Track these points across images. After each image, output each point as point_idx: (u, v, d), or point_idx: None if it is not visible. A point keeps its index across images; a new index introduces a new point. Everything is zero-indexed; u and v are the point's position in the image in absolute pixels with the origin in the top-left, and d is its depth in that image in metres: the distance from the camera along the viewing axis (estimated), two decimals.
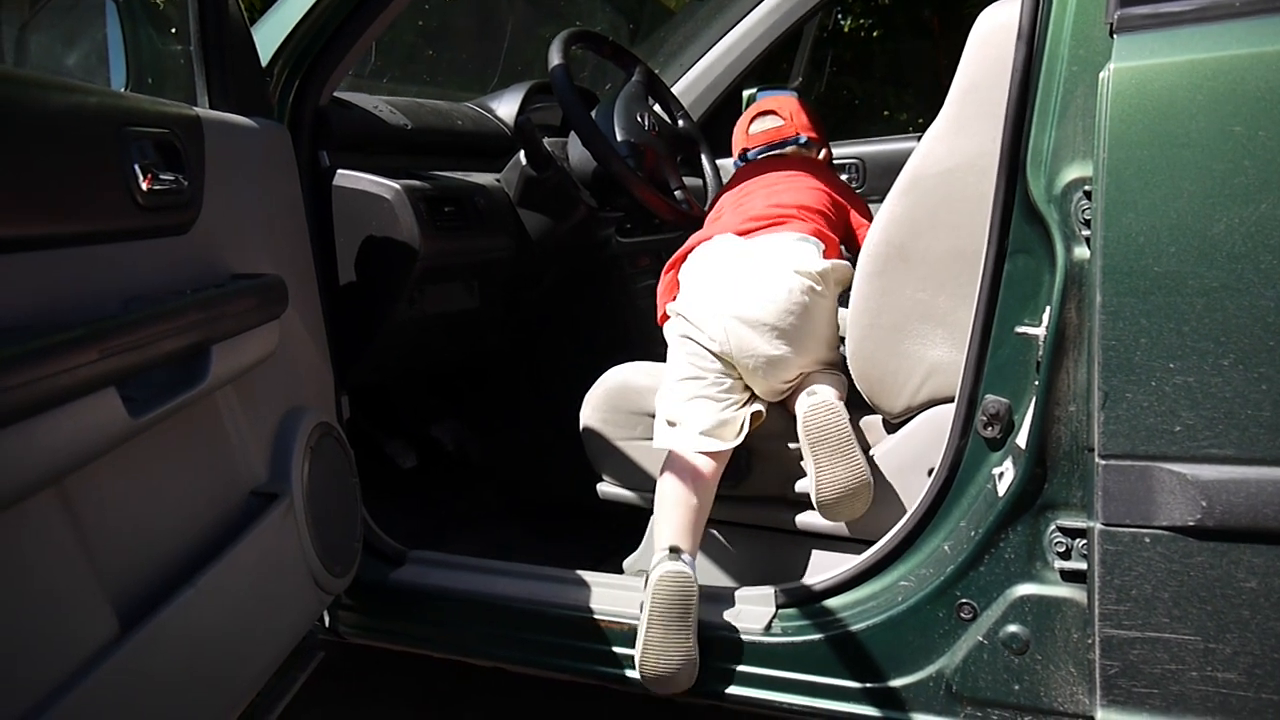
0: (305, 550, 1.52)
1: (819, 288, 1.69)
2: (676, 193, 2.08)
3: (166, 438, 1.26)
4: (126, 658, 1.12)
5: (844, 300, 1.71)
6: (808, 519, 1.70)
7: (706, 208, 2.11)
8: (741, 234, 1.79)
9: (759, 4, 2.67)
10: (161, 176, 1.30)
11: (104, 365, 1.08)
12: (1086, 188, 1.25)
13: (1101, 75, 1.17)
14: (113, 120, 1.24)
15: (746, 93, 2.75)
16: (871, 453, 1.65)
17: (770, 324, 1.66)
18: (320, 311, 1.72)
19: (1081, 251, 1.26)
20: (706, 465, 1.64)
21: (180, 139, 1.35)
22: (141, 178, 1.25)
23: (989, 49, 1.44)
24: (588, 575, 1.72)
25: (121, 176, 1.23)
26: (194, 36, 1.53)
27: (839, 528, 1.67)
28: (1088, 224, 1.24)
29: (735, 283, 1.70)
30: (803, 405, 1.63)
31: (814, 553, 1.72)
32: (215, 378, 1.31)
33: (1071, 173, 1.27)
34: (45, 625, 1.05)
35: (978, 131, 1.43)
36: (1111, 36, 1.19)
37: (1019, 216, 1.32)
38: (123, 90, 1.52)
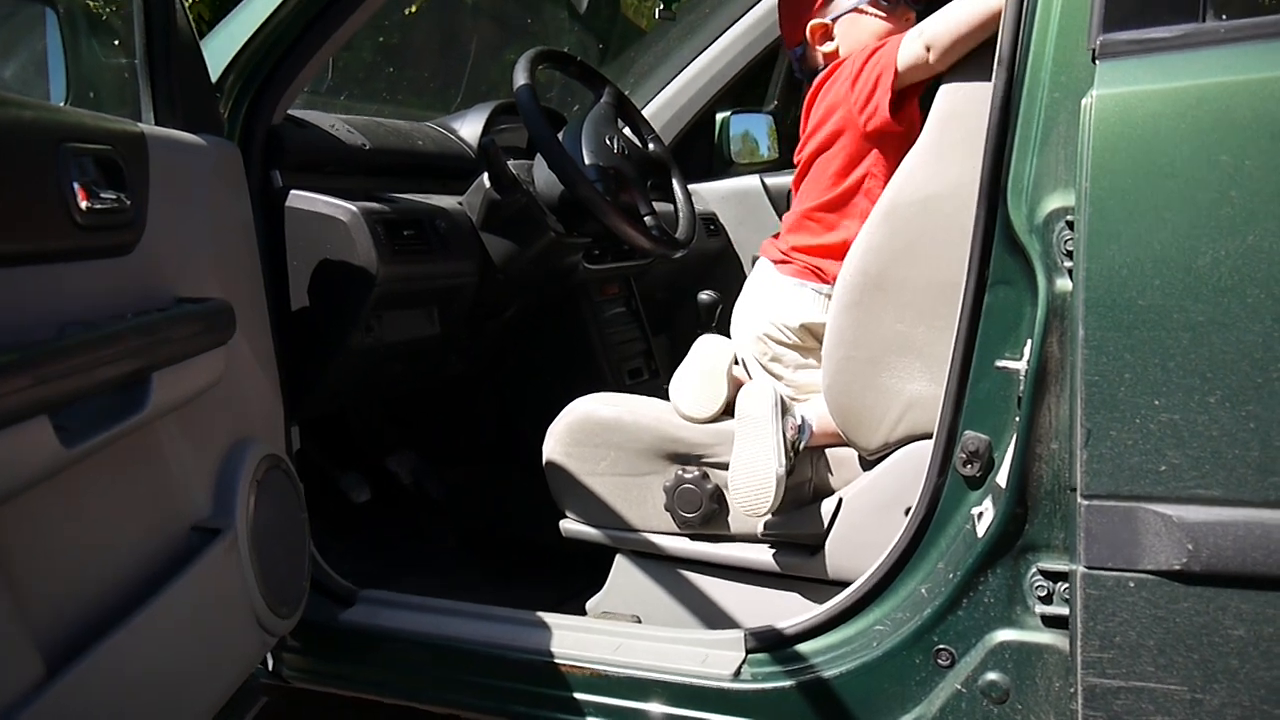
0: (249, 589, 1.48)
1: None
2: (646, 218, 2.05)
3: (102, 469, 1.22)
4: (53, 702, 1.08)
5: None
6: (779, 559, 1.67)
7: (679, 236, 2.07)
8: None
9: (733, 25, 2.66)
10: (102, 195, 1.26)
11: (36, 392, 1.05)
12: (1069, 218, 1.23)
13: (1084, 102, 1.15)
14: (50, 136, 1.20)
15: (720, 116, 2.73)
16: (846, 490, 1.63)
17: None
18: (270, 338, 1.68)
19: (1064, 283, 1.24)
20: None
21: (123, 156, 1.32)
22: (80, 196, 1.21)
23: (969, 74, 1.42)
24: (549, 617, 1.69)
25: (59, 195, 1.19)
26: (139, 49, 1.50)
27: (812, 568, 1.64)
28: (1070, 255, 1.23)
29: None
30: (741, 389, 1.66)
31: (786, 595, 1.69)
32: (155, 407, 1.27)
33: (1053, 202, 1.26)
34: None
35: (957, 159, 1.42)
36: (1094, 63, 1.18)
37: (999, 247, 1.31)
38: (62, 104, 1.48)
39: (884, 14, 1.76)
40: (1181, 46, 1.15)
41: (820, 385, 1.65)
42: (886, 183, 1.63)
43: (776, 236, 1.84)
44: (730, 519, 1.70)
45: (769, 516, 1.62)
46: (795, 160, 1.82)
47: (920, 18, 1.69)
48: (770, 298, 1.78)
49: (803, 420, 1.65)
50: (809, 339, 1.73)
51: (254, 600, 1.48)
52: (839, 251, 1.69)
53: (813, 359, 1.73)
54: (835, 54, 1.79)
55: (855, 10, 1.78)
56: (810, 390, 1.73)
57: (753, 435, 1.60)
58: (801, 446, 1.64)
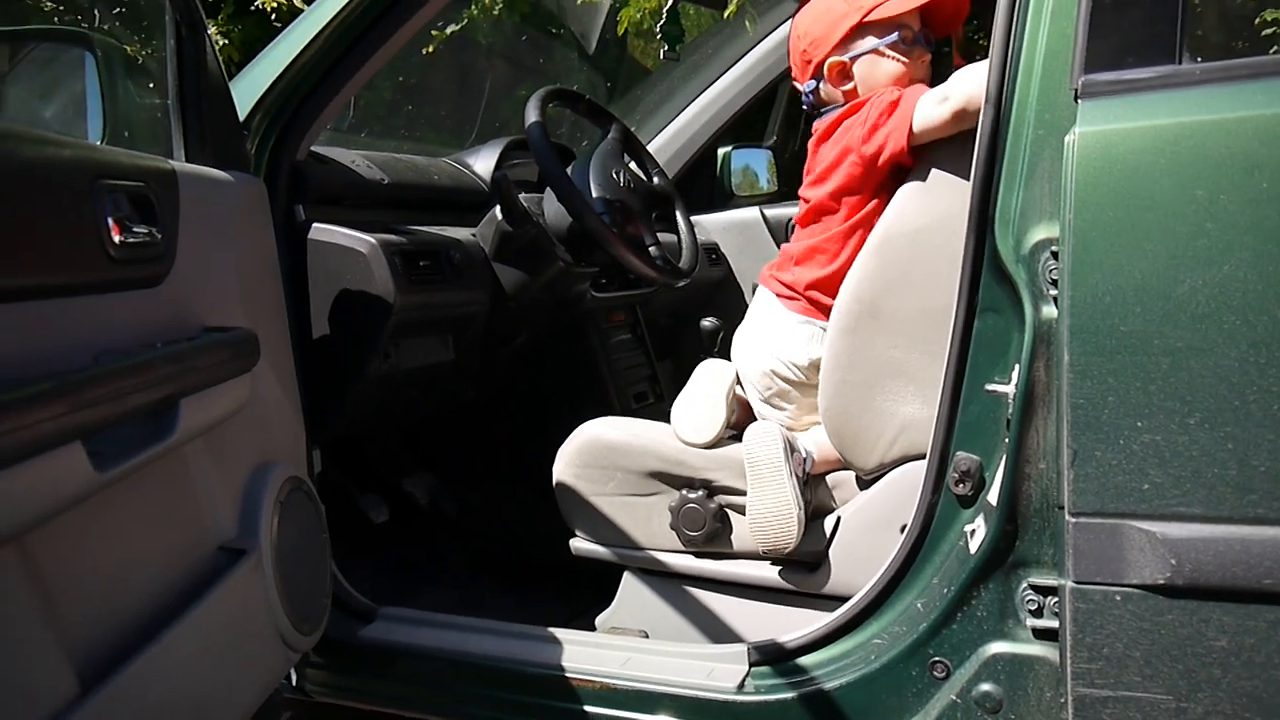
0: (272, 607, 1.50)
1: None
2: (651, 249, 2.09)
3: (133, 492, 1.24)
4: (87, 718, 1.09)
5: None
6: (780, 575, 1.69)
7: (682, 266, 2.11)
8: None
9: (734, 65, 2.71)
10: (134, 229, 1.29)
11: (71, 419, 1.07)
12: (1054, 248, 1.27)
13: (1067, 139, 1.19)
14: (86, 173, 1.23)
15: (722, 151, 2.78)
16: (844, 509, 1.65)
17: None
18: (293, 365, 1.70)
19: (1049, 310, 1.27)
20: None
21: (155, 192, 1.35)
22: (114, 230, 1.25)
23: None
24: (560, 633, 1.71)
25: (94, 229, 1.22)
26: (171, 90, 1.53)
27: (812, 584, 1.66)
28: (1055, 284, 1.26)
29: None
30: (747, 432, 1.66)
31: (787, 610, 1.71)
32: (184, 431, 1.29)
33: (1039, 233, 1.29)
34: (2, 685, 1.02)
35: (948, 192, 1.45)
36: (1076, 102, 1.22)
37: (988, 275, 1.34)
38: (98, 143, 1.53)
39: (902, 57, 1.74)
40: (1159, 87, 1.19)
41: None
42: None
43: (776, 266, 1.84)
44: (733, 537, 1.72)
45: (792, 548, 1.62)
46: (801, 196, 1.81)
47: (934, 59, 1.72)
48: (777, 334, 1.78)
49: (806, 454, 1.67)
50: (815, 375, 1.72)
51: (278, 618, 1.50)
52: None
53: (815, 394, 1.72)
54: (854, 93, 1.76)
55: (874, 52, 1.74)
56: (812, 420, 1.75)
57: (767, 478, 1.61)
58: (809, 476, 1.67)
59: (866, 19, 1.74)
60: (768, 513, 1.61)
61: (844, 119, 1.74)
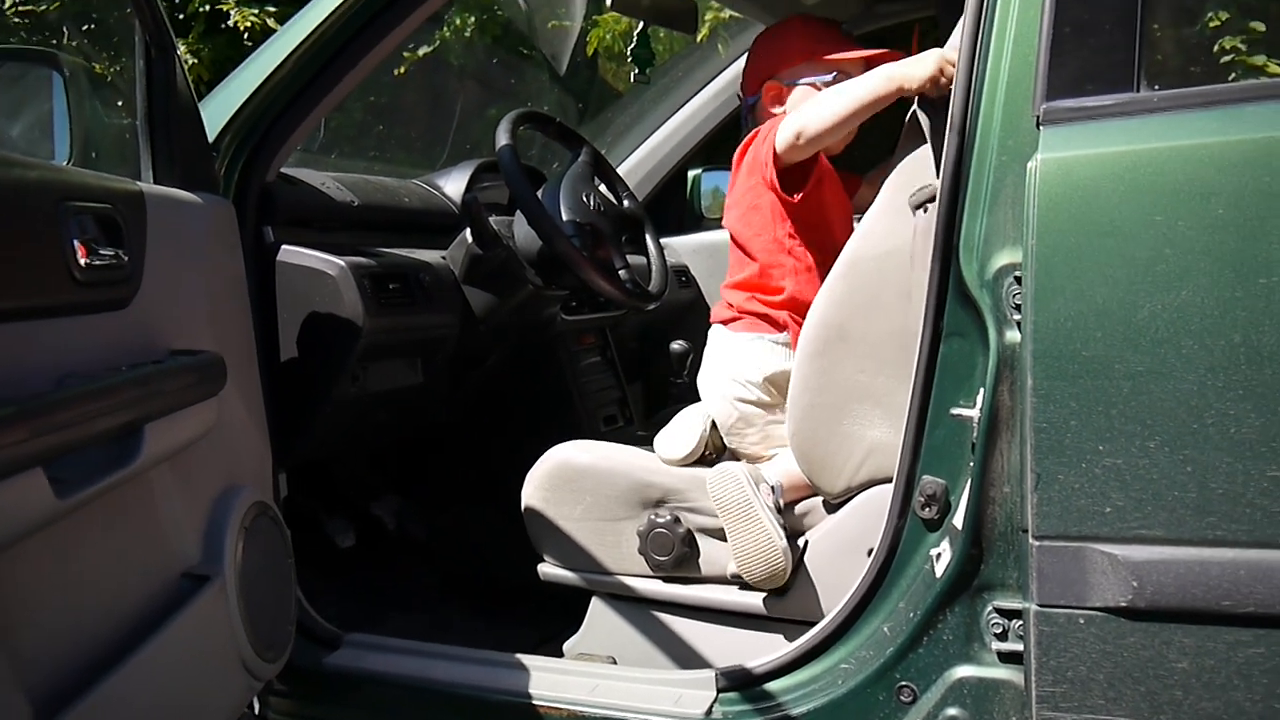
0: (236, 633, 1.48)
1: None
2: (621, 272, 2.10)
3: (95, 518, 1.23)
4: None
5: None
6: (748, 599, 1.69)
7: (652, 289, 2.12)
8: None
9: (703, 88, 2.73)
10: (101, 252, 1.28)
11: (32, 445, 1.06)
12: (1017, 273, 1.28)
13: (1029, 165, 1.21)
14: (52, 195, 1.23)
15: (691, 173, 2.80)
16: (812, 533, 1.66)
17: None
18: (260, 388, 1.69)
19: (1013, 335, 1.29)
20: None
21: (122, 214, 1.34)
22: (79, 253, 1.24)
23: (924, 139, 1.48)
24: (527, 659, 1.70)
25: (59, 251, 1.21)
26: (140, 110, 1.53)
27: (780, 608, 1.66)
28: (1019, 308, 1.27)
29: None
30: (708, 478, 1.67)
31: (755, 634, 1.71)
32: (148, 457, 1.28)
33: (1002, 258, 1.30)
34: None
35: (913, 217, 1.47)
36: (1038, 129, 1.24)
37: (953, 300, 1.35)
38: (65, 164, 1.52)
39: None
40: (1118, 114, 1.21)
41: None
42: (806, 241, 1.74)
43: (720, 304, 1.89)
44: (701, 561, 1.72)
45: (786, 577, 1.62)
46: (723, 224, 1.88)
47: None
48: (728, 358, 1.82)
49: (775, 484, 1.68)
50: (774, 392, 1.76)
51: (241, 645, 1.48)
52: (786, 305, 1.77)
53: (779, 413, 1.75)
54: (783, 119, 1.81)
55: (810, 85, 1.84)
56: (778, 447, 1.76)
57: (741, 518, 1.61)
58: (782, 504, 1.67)
59: (812, 57, 1.83)
60: (752, 549, 1.60)
61: (750, 143, 1.83)
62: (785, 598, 1.66)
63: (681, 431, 1.80)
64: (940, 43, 1.61)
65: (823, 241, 1.80)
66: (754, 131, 1.83)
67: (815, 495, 1.69)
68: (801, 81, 1.85)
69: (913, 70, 1.54)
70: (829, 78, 1.82)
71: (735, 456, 1.81)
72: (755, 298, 1.82)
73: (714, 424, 1.81)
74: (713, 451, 1.81)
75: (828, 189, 1.84)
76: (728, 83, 2.68)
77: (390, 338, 1.88)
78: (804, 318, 1.65)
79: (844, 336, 1.55)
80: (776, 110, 1.87)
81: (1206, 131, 1.18)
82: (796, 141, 1.68)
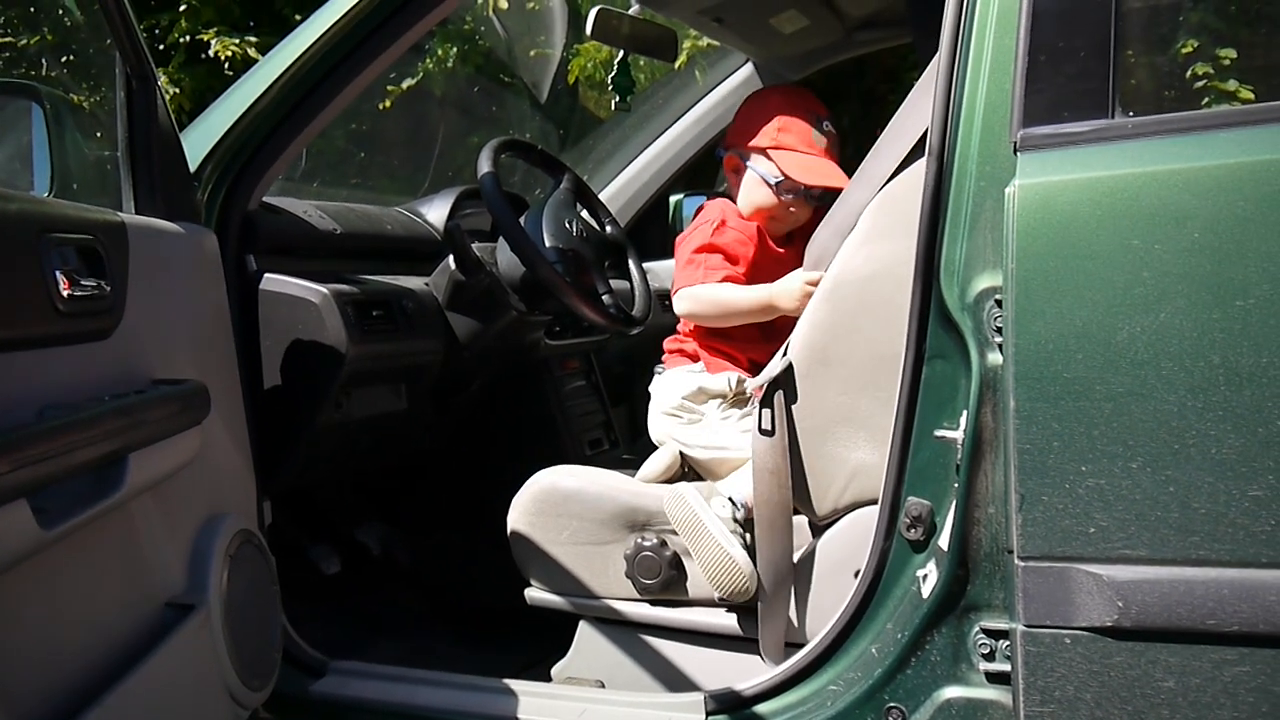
0: (221, 663, 1.47)
1: None
2: (604, 297, 2.11)
3: (79, 548, 1.22)
4: None
5: None
6: (736, 621, 1.69)
7: (635, 313, 2.15)
8: None
9: (684, 115, 2.75)
10: (83, 282, 1.28)
11: (15, 476, 1.05)
12: (997, 296, 1.29)
13: (1007, 191, 1.23)
14: (32, 227, 1.22)
15: (674, 198, 2.81)
16: (797, 555, 1.66)
17: None
18: (244, 416, 1.69)
19: (995, 357, 1.30)
20: None
21: (104, 244, 1.34)
22: (62, 284, 1.24)
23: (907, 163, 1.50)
24: (515, 684, 1.70)
25: (41, 283, 1.21)
26: (121, 141, 1.53)
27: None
28: (1000, 331, 1.28)
29: None
30: (663, 501, 1.74)
31: (744, 657, 1.70)
32: (132, 487, 1.28)
33: (983, 282, 1.31)
34: None
35: (895, 241, 1.48)
36: (1015, 155, 1.25)
37: (935, 323, 1.36)
38: (46, 196, 1.52)
39: (776, 195, 1.90)
40: (1094, 140, 1.23)
41: (741, 441, 1.75)
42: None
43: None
44: (689, 584, 1.73)
45: (753, 589, 1.64)
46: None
47: (819, 201, 1.88)
48: (656, 397, 1.95)
49: (728, 498, 1.70)
50: (697, 398, 1.87)
51: (227, 674, 1.47)
52: (692, 334, 1.93)
53: (707, 412, 1.86)
54: (732, 189, 1.97)
55: (759, 177, 1.91)
56: (729, 465, 1.79)
57: (695, 533, 1.67)
58: (742, 517, 1.68)
59: (768, 149, 1.90)
60: (710, 564, 1.64)
61: (696, 227, 1.96)
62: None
63: (659, 457, 1.86)
64: (920, 68, 1.63)
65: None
66: (706, 207, 1.97)
67: (798, 514, 1.70)
68: (756, 169, 1.92)
69: (783, 302, 1.81)
70: (779, 178, 1.89)
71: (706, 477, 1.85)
72: (676, 338, 1.99)
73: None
74: (689, 469, 1.87)
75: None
76: (708, 109, 2.70)
77: (374, 364, 1.89)
78: (710, 341, 1.90)
79: (826, 360, 1.56)
80: (733, 179, 1.98)
81: (1181, 157, 1.20)
82: (688, 313, 1.91)
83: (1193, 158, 1.19)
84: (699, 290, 1.88)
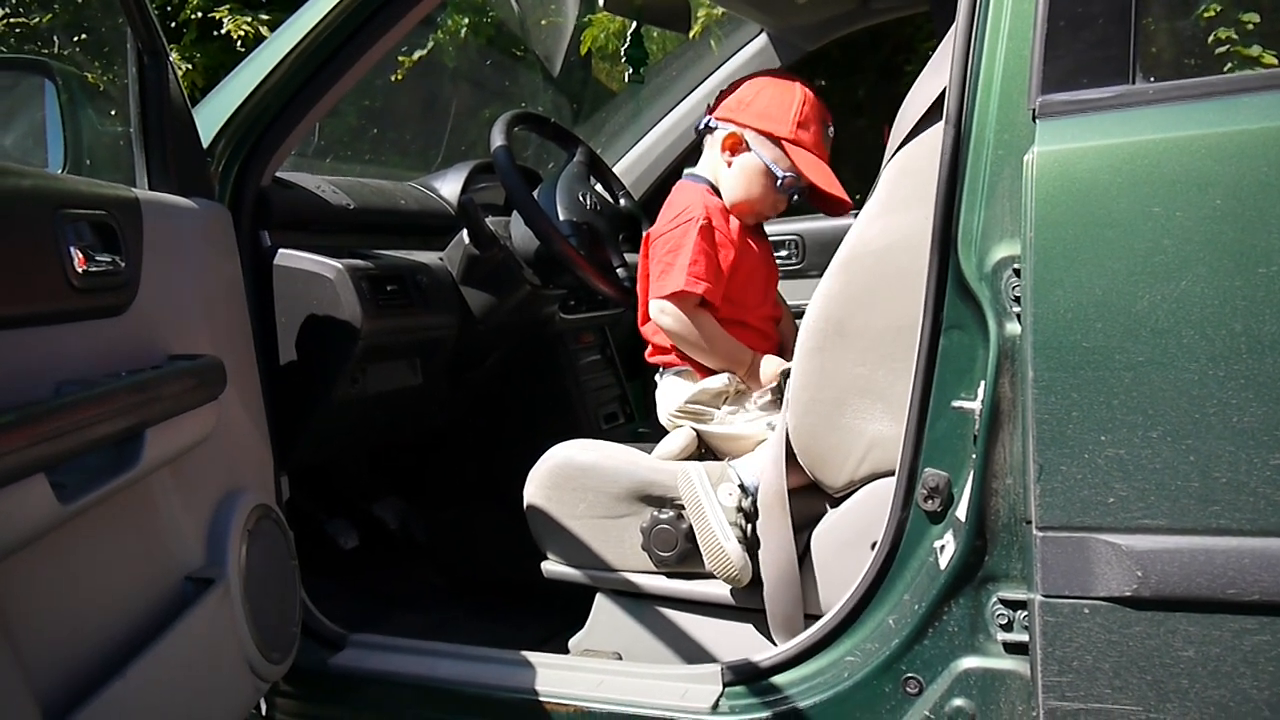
0: (241, 636, 1.49)
1: None
2: (619, 270, 2.10)
3: (98, 523, 1.23)
4: None
5: None
6: (753, 595, 1.67)
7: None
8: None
9: (699, 85, 2.73)
10: (97, 258, 1.29)
11: (34, 451, 1.06)
12: (1016, 266, 1.28)
13: (1026, 159, 1.22)
14: (47, 203, 1.23)
15: (687, 171, 2.80)
16: (815, 527, 1.66)
17: None
18: (260, 392, 1.70)
19: (1013, 327, 1.29)
20: None
21: (118, 220, 1.35)
22: (77, 260, 1.24)
23: (920, 131, 1.48)
24: (532, 656, 1.70)
25: (56, 259, 1.22)
26: (134, 117, 1.53)
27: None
28: (1018, 300, 1.27)
29: None
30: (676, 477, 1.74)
31: (760, 629, 1.71)
32: (149, 462, 1.29)
33: (1001, 251, 1.30)
34: None
35: (911, 211, 1.47)
36: (1034, 122, 1.24)
37: (952, 293, 1.35)
38: (60, 172, 1.52)
39: (769, 186, 1.86)
40: (1114, 106, 1.21)
41: (753, 429, 1.75)
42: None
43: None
44: (701, 557, 1.72)
45: (745, 578, 1.64)
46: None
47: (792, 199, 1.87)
48: (662, 404, 1.91)
49: (742, 482, 1.69)
50: (705, 398, 1.84)
51: (246, 647, 1.49)
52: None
53: (714, 411, 1.84)
54: (723, 169, 1.88)
55: (764, 165, 1.85)
56: (742, 446, 1.79)
57: (697, 519, 1.67)
58: (750, 505, 1.68)
59: (785, 139, 1.84)
60: (707, 549, 1.65)
61: (676, 224, 1.87)
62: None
63: (677, 435, 1.85)
64: (936, 38, 1.62)
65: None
66: (665, 228, 1.88)
67: (814, 486, 1.70)
68: (762, 156, 1.86)
69: (751, 377, 1.85)
70: (781, 177, 1.85)
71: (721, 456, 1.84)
72: (660, 347, 1.94)
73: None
74: (704, 448, 1.85)
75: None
76: (722, 80, 2.67)
77: (389, 339, 1.89)
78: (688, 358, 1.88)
79: (842, 331, 1.55)
80: (721, 157, 1.90)
81: (1202, 123, 1.18)
82: (667, 329, 1.86)
83: (1215, 123, 1.18)
84: (688, 320, 1.83)
